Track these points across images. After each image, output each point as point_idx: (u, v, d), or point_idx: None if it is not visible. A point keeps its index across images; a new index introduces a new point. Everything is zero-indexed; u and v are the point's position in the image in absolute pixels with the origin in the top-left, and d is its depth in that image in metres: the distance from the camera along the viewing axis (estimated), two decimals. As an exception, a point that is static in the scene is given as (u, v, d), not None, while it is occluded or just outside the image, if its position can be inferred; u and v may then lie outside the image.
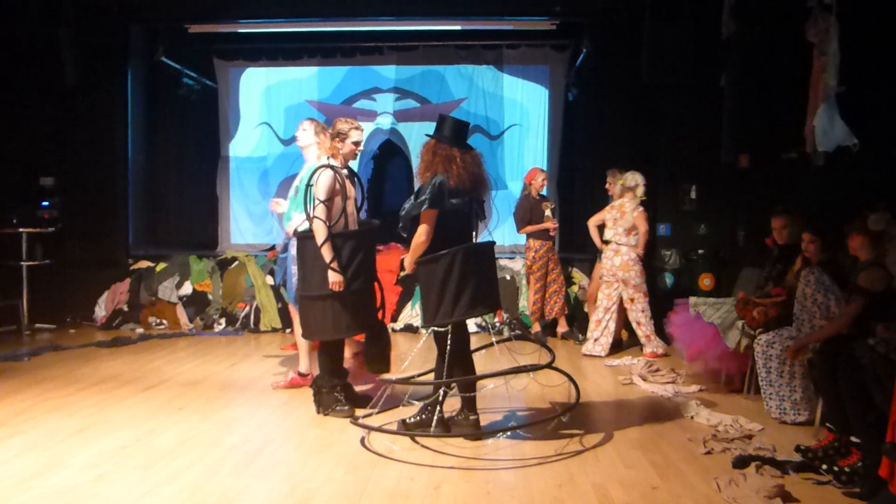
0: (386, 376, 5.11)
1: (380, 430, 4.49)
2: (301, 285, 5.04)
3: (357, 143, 4.99)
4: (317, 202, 4.79)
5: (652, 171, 8.64)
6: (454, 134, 4.49)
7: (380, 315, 5.15)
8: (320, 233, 4.75)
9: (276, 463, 4.05)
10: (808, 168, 6.15)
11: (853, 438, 3.75)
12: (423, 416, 4.52)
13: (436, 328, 4.42)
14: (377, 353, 5.07)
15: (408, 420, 4.55)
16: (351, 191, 5.07)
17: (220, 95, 10.63)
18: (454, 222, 4.44)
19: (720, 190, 8.39)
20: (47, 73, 8.50)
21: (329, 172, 4.87)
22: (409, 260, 4.50)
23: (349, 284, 4.78)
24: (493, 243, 4.68)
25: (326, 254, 4.74)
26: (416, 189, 4.53)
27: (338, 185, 4.88)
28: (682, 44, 7.46)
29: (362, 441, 4.41)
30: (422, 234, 4.36)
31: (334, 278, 4.73)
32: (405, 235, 4.52)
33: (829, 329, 4.31)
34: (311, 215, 4.79)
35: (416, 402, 4.78)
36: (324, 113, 10.49)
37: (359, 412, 4.91)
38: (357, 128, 5.02)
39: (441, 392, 4.47)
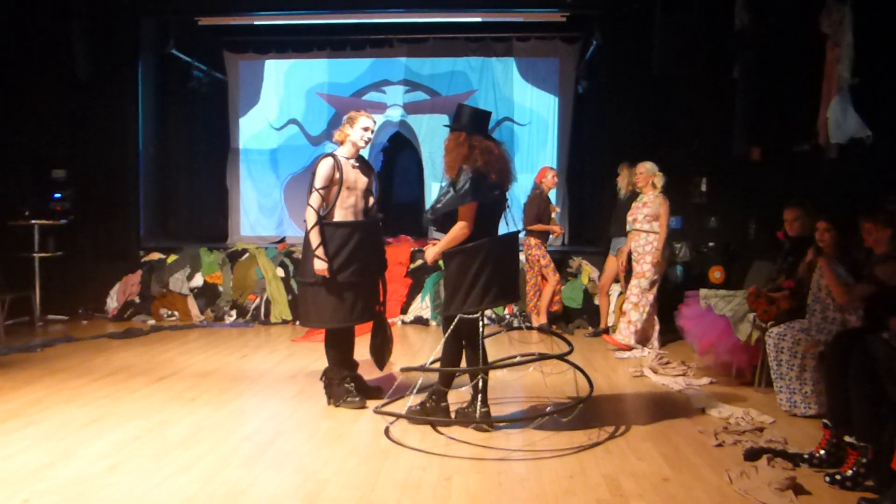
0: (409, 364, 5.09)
1: (404, 416, 4.53)
2: (299, 270, 5.11)
3: (366, 129, 4.94)
4: (312, 189, 4.83)
5: (663, 164, 8.63)
6: (484, 125, 4.50)
7: (379, 310, 5.15)
8: (309, 219, 4.82)
9: (288, 454, 4.07)
10: (820, 160, 6.12)
11: (847, 438, 3.73)
12: (430, 404, 4.57)
13: (464, 315, 4.40)
14: (374, 347, 5.14)
15: (413, 406, 4.60)
16: (358, 182, 5.00)
17: (230, 88, 10.66)
18: (487, 214, 4.44)
19: (731, 182, 8.35)
20: (59, 66, 8.56)
21: (329, 160, 4.88)
22: (435, 251, 4.48)
23: (336, 274, 4.79)
24: (518, 233, 4.66)
25: (313, 240, 4.79)
26: (444, 182, 4.48)
27: (336, 175, 4.87)
28: (694, 35, 7.42)
29: (386, 430, 4.45)
30: (464, 227, 4.33)
31: (319, 265, 4.77)
32: (435, 229, 4.52)
33: (842, 291, 4.39)
34: (307, 202, 4.85)
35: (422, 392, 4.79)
36: (334, 105, 10.52)
37: (371, 403, 4.94)
38: (366, 115, 4.98)
39: (479, 380, 4.49)
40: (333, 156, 4.92)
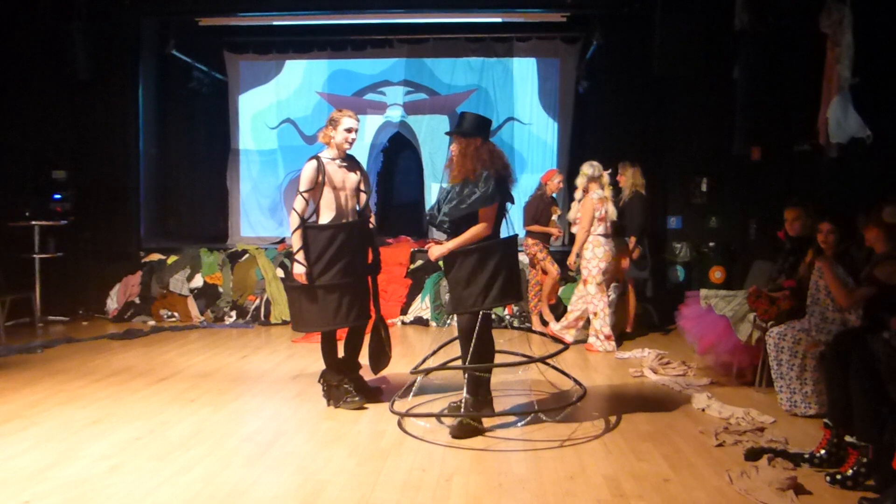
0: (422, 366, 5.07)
1: (429, 415, 4.58)
2: (288, 275, 5.11)
3: (349, 130, 4.90)
4: (296, 194, 4.83)
5: (663, 164, 8.64)
6: (489, 132, 4.65)
7: (373, 311, 5.14)
8: (292, 223, 4.82)
9: (288, 454, 4.07)
10: (821, 160, 6.13)
11: (848, 438, 3.73)
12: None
13: (486, 311, 4.47)
14: (372, 350, 5.14)
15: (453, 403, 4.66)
16: (346, 181, 4.96)
17: (230, 88, 10.66)
18: (500, 216, 4.59)
19: (731, 182, 8.36)
20: (59, 67, 8.58)
21: (312, 163, 4.85)
22: (447, 248, 4.49)
23: (317, 278, 4.77)
24: (516, 236, 4.75)
25: (294, 244, 4.80)
26: (448, 185, 4.57)
27: (320, 177, 4.84)
28: (694, 35, 7.42)
29: (399, 423, 4.51)
30: (486, 227, 4.45)
31: (297, 269, 4.78)
32: (447, 229, 4.55)
33: (843, 293, 4.39)
34: (291, 206, 4.85)
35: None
36: (334, 105, 10.49)
37: (370, 405, 4.93)
38: (350, 116, 4.94)
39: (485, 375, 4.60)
40: (317, 158, 4.88)
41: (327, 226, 4.86)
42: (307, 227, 4.82)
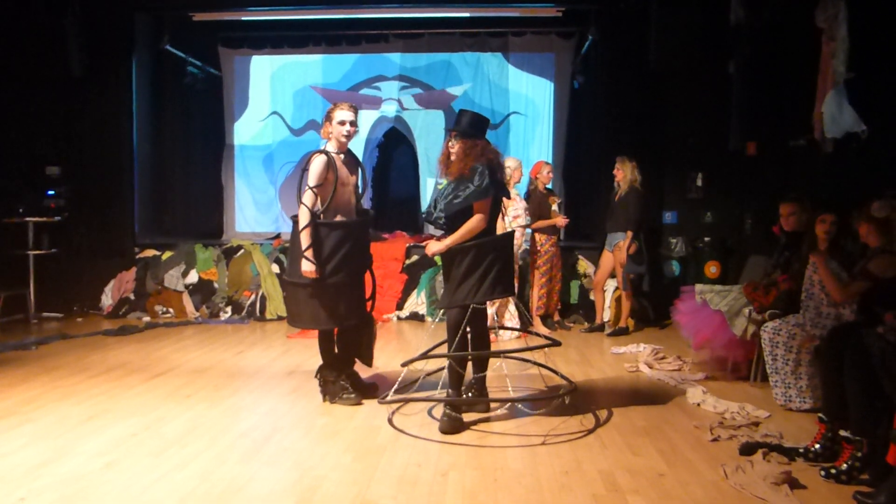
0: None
1: (410, 398, 4.68)
2: (287, 270, 5.05)
3: (342, 122, 4.84)
4: (305, 188, 4.75)
5: (658, 159, 8.64)
6: (485, 131, 4.69)
7: (368, 307, 5.13)
8: (303, 219, 4.71)
9: (285, 450, 4.07)
10: (816, 155, 6.14)
11: (843, 432, 3.74)
12: (471, 393, 4.66)
13: (476, 305, 4.51)
14: (361, 345, 5.11)
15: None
16: (349, 178, 4.94)
17: (224, 84, 10.63)
18: (494, 210, 4.64)
19: (727, 177, 8.37)
20: (53, 63, 8.56)
21: (322, 158, 4.78)
22: (446, 244, 4.50)
23: (328, 276, 4.72)
24: (513, 233, 4.78)
25: (304, 241, 4.69)
26: (443, 180, 4.63)
27: (331, 173, 4.78)
28: (690, 30, 7.44)
29: (390, 420, 4.52)
30: (482, 219, 4.48)
31: (307, 267, 4.68)
32: (442, 224, 4.57)
33: (838, 288, 4.44)
34: (300, 201, 4.76)
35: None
36: (329, 100, 10.47)
37: (367, 401, 4.93)
38: (343, 108, 4.87)
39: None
40: (326, 152, 4.82)
41: (341, 223, 4.83)
42: (320, 223, 4.74)
